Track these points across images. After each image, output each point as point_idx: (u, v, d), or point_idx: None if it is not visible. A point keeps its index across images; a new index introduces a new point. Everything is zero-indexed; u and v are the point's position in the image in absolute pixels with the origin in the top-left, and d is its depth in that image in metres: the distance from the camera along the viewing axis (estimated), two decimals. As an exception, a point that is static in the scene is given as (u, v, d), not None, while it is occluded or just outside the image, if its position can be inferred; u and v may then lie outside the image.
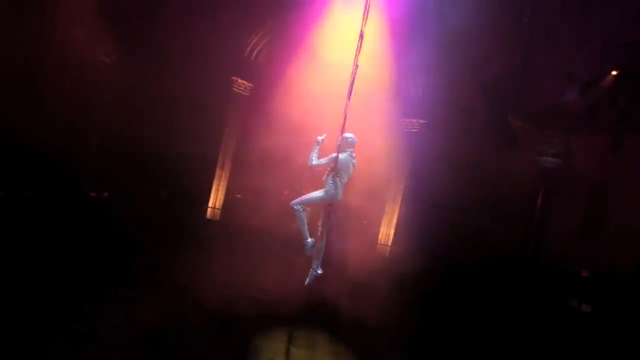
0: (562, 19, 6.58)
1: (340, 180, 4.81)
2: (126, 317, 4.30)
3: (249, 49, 9.68)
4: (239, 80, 9.86)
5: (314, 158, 4.79)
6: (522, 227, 7.70)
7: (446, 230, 8.15)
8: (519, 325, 6.61)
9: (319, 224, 4.95)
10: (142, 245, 6.81)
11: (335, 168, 4.77)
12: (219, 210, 10.05)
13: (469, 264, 7.83)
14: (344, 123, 4.67)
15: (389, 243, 10.26)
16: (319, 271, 4.89)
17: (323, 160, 4.81)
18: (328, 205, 4.90)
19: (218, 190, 10.14)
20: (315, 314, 5.50)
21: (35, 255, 5.21)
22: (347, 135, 4.85)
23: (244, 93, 10.04)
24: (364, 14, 4.53)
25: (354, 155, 4.94)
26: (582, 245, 7.08)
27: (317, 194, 4.88)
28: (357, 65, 4.62)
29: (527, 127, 7.41)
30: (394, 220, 10.36)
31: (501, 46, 6.84)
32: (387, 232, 10.44)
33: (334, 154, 4.79)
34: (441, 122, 7.62)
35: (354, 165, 4.93)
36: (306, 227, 4.90)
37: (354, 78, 4.61)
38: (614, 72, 6.35)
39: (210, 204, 9.99)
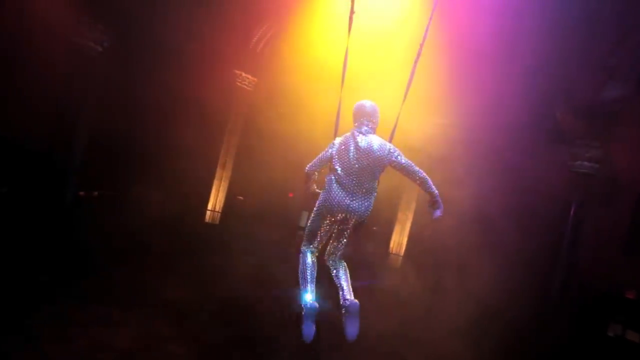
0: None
1: (335, 177, 3.35)
2: (90, 342, 3.59)
3: (254, 41, 9.08)
4: (243, 74, 9.29)
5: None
6: (554, 241, 6.86)
7: (464, 242, 7.36)
8: (550, 354, 5.82)
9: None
10: (127, 252, 6.16)
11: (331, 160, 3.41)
12: (219, 214, 9.42)
13: (490, 281, 7.05)
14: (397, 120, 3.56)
15: (402, 253, 9.57)
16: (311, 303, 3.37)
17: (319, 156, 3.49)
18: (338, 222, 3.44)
19: (218, 191, 9.51)
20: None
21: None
22: (359, 103, 3.53)
23: (247, 88, 9.45)
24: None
25: (361, 131, 3.43)
26: (627, 263, 6.25)
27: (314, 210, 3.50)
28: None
29: (564, 126, 6.60)
30: (407, 228, 9.68)
31: (536, 32, 6.03)
32: (399, 240, 9.74)
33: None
34: (464, 120, 6.85)
35: (360, 149, 3.32)
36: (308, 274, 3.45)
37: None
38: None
39: (209, 207, 9.37)
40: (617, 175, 6.49)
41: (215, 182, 9.42)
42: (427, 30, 3.52)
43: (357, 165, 3.32)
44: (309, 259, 3.46)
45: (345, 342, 3.23)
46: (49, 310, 3.97)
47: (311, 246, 3.48)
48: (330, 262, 3.54)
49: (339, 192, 3.31)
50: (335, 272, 3.50)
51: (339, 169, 3.33)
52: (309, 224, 3.51)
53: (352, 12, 3.55)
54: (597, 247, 6.51)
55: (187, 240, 7.57)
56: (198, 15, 8.15)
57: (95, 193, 8.00)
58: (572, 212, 6.88)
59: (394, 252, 9.61)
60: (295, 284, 3.67)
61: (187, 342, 4.06)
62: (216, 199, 9.46)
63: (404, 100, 3.48)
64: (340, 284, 3.46)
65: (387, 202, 8.95)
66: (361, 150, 3.34)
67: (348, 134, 3.46)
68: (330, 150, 3.43)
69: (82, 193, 7.84)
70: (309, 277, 3.40)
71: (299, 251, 3.53)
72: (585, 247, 6.55)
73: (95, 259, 5.65)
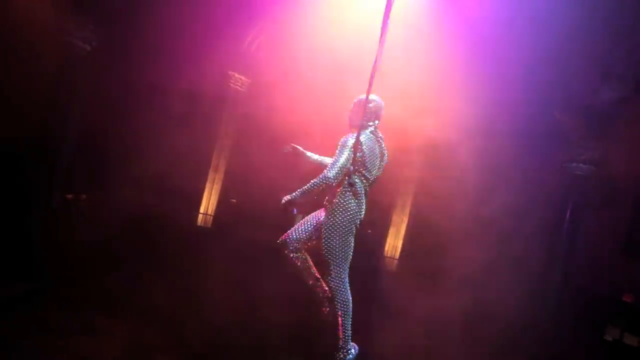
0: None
1: (363, 180, 3.04)
2: (74, 352, 3.41)
3: (247, 41, 8.95)
4: (236, 75, 9.15)
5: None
6: (551, 243, 6.80)
7: (460, 243, 7.27)
8: (546, 357, 5.72)
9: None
10: (116, 256, 5.98)
11: (355, 160, 2.96)
12: (211, 217, 9.25)
13: (486, 282, 6.95)
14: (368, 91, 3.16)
15: (396, 256, 9.46)
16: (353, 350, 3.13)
17: (341, 160, 2.94)
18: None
19: (211, 194, 9.35)
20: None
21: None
22: (372, 97, 3.16)
23: (241, 89, 9.32)
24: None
25: (380, 135, 3.22)
26: (625, 266, 6.18)
27: (331, 222, 3.11)
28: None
29: (561, 127, 6.55)
30: (402, 231, 9.58)
31: (534, 33, 5.97)
32: (394, 243, 9.63)
33: (348, 138, 3.03)
34: (461, 122, 6.77)
35: (384, 158, 3.15)
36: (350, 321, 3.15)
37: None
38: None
39: (201, 210, 9.20)
40: (616, 177, 6.44)
41: (208, 185, 9.27)
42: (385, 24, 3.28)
43: (377, 174, 3.16)
44: (349, 293, 3.16)
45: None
46: (30, 319, 3.78)
47: (347, 270, 3.18)
48: (294, 247, 3.45)
49: (364, 204, 3.12)
50: (304, 258, 3.41)
51: (369, 177, 3.07)
52: (341, 247, 3.10)
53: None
54: (594, 250, 6.46)
55: (178, 244, 7.39)
56: (190, 15, 8.01)
57: (84, 196, 7.80)
58: (569, 214, 6.83)
59: (388, 255, 9.51)
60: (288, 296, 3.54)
61: (177, 352, 3.89)
62: (208, 202, 9.29)
63: (370, 86, 3.21)
64: (312, 272, 3.40)
65: (383, 204, 8.87)
66: (385, 159, 3.17)
67: (368, 134, 3.12)
68: (350, 151, 2.99)
69: (69, 196, 7.64)
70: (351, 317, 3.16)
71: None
72: (582, 250, 6.49)
73: (82, 264, 5.46)
